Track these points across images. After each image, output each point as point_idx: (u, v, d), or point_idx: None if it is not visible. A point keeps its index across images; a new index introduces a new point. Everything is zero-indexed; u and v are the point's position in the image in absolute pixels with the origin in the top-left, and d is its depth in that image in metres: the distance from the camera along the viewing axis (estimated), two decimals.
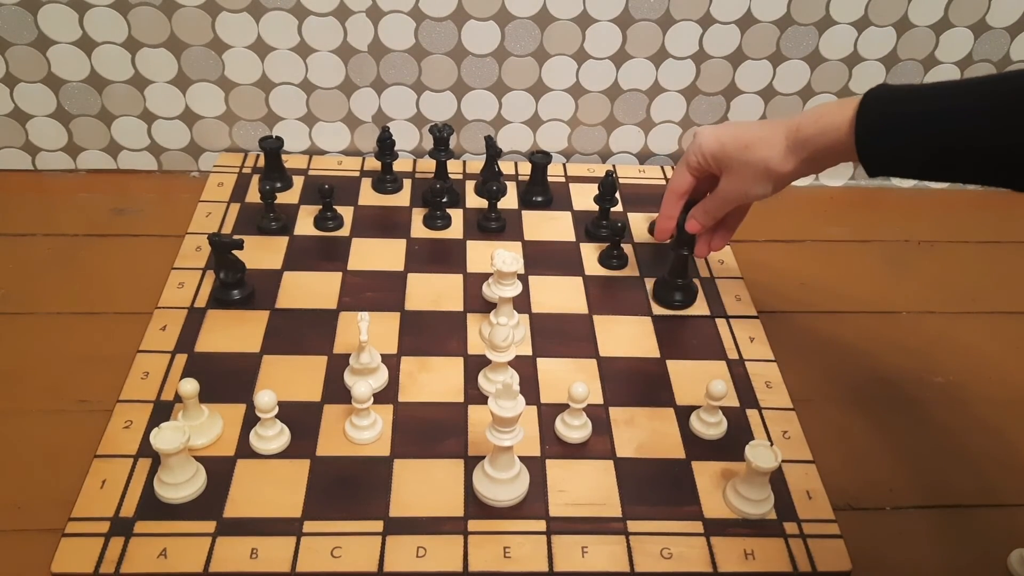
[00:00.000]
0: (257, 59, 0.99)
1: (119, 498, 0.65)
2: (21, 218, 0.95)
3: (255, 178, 1.00)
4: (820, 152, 0.68)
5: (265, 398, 0.68)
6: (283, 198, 0.97)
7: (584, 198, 1.00)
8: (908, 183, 1.11)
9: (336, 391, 0.75)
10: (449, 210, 0.96)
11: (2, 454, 0.70)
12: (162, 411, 0.72)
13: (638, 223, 0.98)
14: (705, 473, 0.70)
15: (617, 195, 0.94)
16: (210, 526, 0.64)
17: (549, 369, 0.79)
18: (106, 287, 0.87)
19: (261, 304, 0.83)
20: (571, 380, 0.71)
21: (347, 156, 1.06)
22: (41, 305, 0.84)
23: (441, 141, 0.96)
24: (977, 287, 0.95)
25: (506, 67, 1.01)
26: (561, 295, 0.87)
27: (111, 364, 0.77)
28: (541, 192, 1.00)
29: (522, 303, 0.85)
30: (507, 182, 1.02)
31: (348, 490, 0.67)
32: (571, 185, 1.03)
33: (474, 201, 0.99)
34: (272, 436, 0.69)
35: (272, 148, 0.97)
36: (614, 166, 1.07)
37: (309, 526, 0.64)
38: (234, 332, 0.80)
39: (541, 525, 0.66)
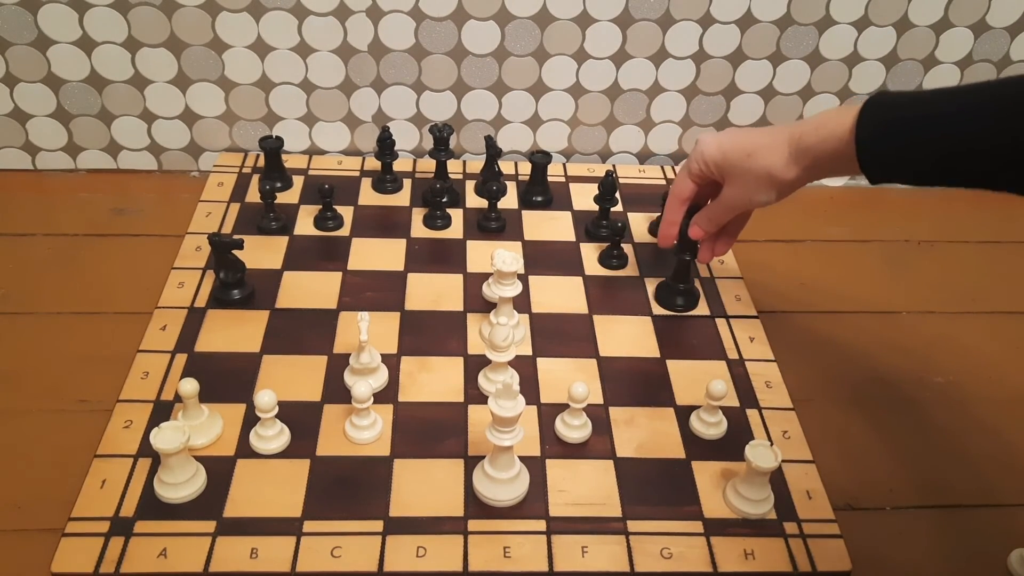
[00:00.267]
0: (257, 59, 0.99)
1: (119, 498, 0.65)
2: (21, 218, 0.95)
3: (255, 178, 1.00)
4: (822, 160, 0.68)
5: (265, 398, 0.68)
6: (283, 198, 0.97)
7: (584, 198, 1.00)
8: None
9: (336, 391, 0.75)
10: (449, 210, 0.96)
11: (2, 454, 0.70)
12: (162, 411, 0.72)
13: (638, 223, 0.98)
14: (705, 473, 0.70)
15: (617, 195, 0.94)
16: (210, 526, 0.64)
17: (549, 369, 0.79)
18: (106, 287, 0.87)
19: (261, 304, 0.83)
20: (571, 380, 0.71)
21: (347, 156, 1.06)
22: (41, 305, 0.84)
23: (441, 141, 0.96)
24: (977, 287, 0.95)
25: (506, 67, 1.01)
26: (561, 295, 0.87)
27: (111, 364, 0.77)
28: (541, 192, 1.00)
29: (522, 303, 0.85)
30: (507, 182, 1.02)
31: (348, 490, 0.67)
32: (571, 185, 1.03)
33: (474, 201, 0.99)
34: (272, 436, 0.69)
35: (272, 148, 0.97)
36: (614, 166, 1.07)
37: (309, 526, 0.64)
38: (234, 332, 0.80)
39: (541, 525, 0.66)
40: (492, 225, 0.95)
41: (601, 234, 0.94)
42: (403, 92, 1.02)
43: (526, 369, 0.78)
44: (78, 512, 0.64)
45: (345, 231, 0.93)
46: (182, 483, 0.65)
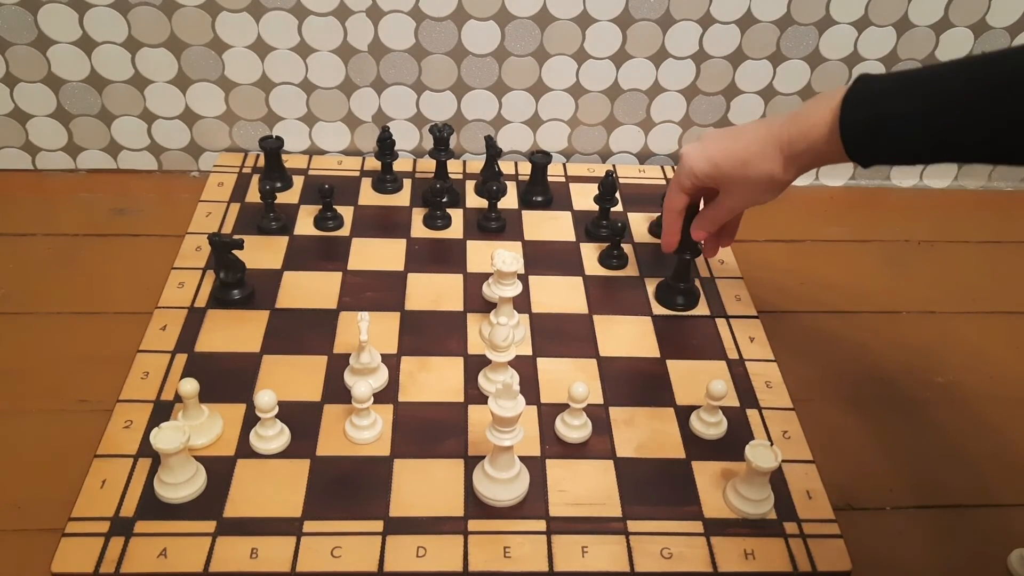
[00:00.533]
0: (257, 59, 0.99)
1: (119, 498, 0.65)
2: (21, 218, 0.96)
3: (255, 178, 1.00)
4: (817, 159, 0.68)
5: (265, 398, 0.68)
6: (283, 198, 0.97)
7: (584, 198, 1.00)
8: (908, 183, 1.11)
9: (336, 391, 0.75)
10: (449, 210, 0.96)
11: (2, 454, 0.70)
12: (162, 411, 0.72)
13: (638, 223, 0.98)
14: (705, 473, 0.70)
15: (617, 195, 0.94)
16: (210, 526, 0.64)
17: (549, 369, 0.79)
18: (106, 287, 0.87)
19: (261, 304, 0.83)
20: (571, 380, 0.71)
21: (347, 156, 1.06)
22: (41, 305, 0.84)
23: (441, 141, 0.96)
24: (977, 287, 0.95)
25: (506, 67, 1.01)
26: (561, 295, 0.87)
27: (111, 364, 0.77)
28: (541, 192, 1.00)
29: (522, 303, 0.85)
30: (507, 182, 1.02)
31: (348, 490, 0.67)
32: (571, 185, 1.03)
33: (474, 201, 0.99)
34: (272, 436, 0.69)
35: (272, 148, 0.97)
36: (614, 166, 1.07)
37: (309, 526, 0.64)
38: (234, 332, 0.80)
39: (541, 525, 0.66)
40: (492, 225, 0.95)
41: (601, 234, 0.94)
42: (403, 92, 1.02)
43: (526, 369, 0.78)
44: (78, 512, 0.64)
45: (345, 231, 0.93)
46: (182, 483, 0.65)
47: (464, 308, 0.85)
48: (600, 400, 0.76)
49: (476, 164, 1.04)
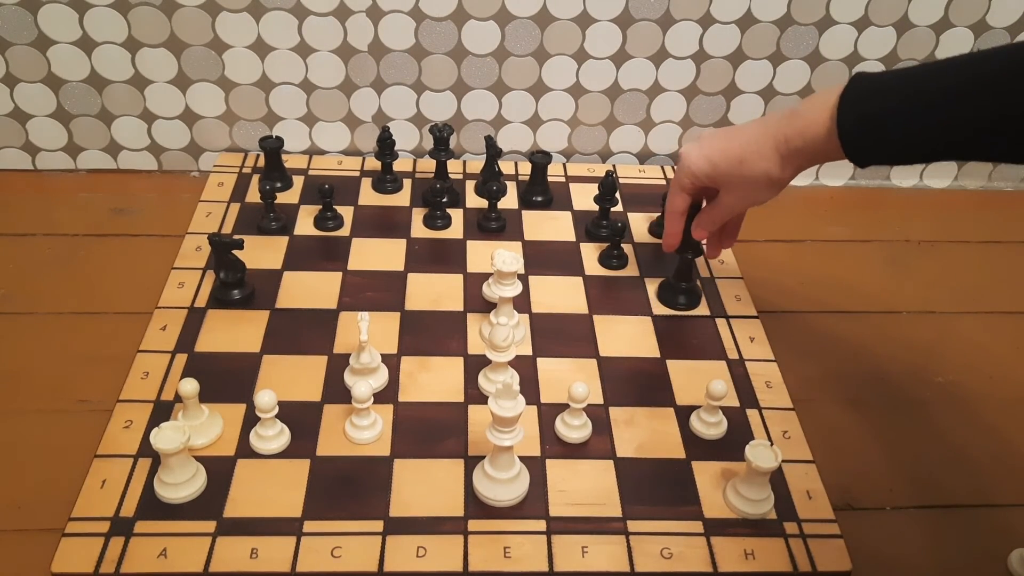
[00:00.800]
0: (257, 59, 0.99)
1: (119, 498, 0.65)
2: (21, 218, 0.95)
3: (255, 178, 1.00)
4: (814, 157, 0.68)
5: (265, 398, 0.68)
6: (283, 198, 0.97)
7: (584, 198, 1.00)
8: (908, 183, 1.11)
9: (336, 391, 0.75)
10: (449, 210, 0.96)
11: (2, 454, 0.70)
12: (162, 411, 0.72)
13: (638, 223, 0.98)
14: (705, 473, 0.70)
15: (617, 195, 0.94)
16: (210, 526, 0.64)
17: (549, 369, 0.79)
18: (106, 287, 0.87)
19: (261, 304, 0.83)
20: (571, 380, 0.71)
21: (347, 156, 1.06)
22: (41, 305, 0.84)
23: (441, 141, 0.96)
24: (977, 287, 0.95)
25: (506, 67, 1.01)
26: (561, 295, 0.87)
27: (111, 364, 0.77)
28: (541, 192, 1.00)
29: (522, 303, 0.85)
30: (507, 182, 1.02)
31: (348, 490, 0.67)
32: (571, 185, 1.03)
33: (474, 201, 0.99)
34: (272, 436, 0.69)
35: (272, 148, 0.97)
36: (614, 166, 1.07)
37: (309, 526, 0.64)
38: (234, 332, 0.80)
39: (541, 525, 0.66)
40: (492, 225, 0.95)
41: (601, 234, 0.94)
42: (403, 92, 1.02)
43: (526, 369, 0.78)
44: (78, 512, 0.64)
45: (345, 231, 0.93)
46: (182, 483, 0.65)
47: (464, 308, 0.85)
48: (600, 400, 0.76)
49: (476, 164, 1.04)
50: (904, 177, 1.12)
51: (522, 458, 0.68)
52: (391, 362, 0.78)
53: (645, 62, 1.02)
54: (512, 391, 0.62)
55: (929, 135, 0.61)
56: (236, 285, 0.83)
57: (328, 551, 0.63)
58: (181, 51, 0.97)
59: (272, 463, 0.69)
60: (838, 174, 1.10)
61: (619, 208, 0.99)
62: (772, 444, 0.66)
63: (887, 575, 0.66)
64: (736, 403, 0.77)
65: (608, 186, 0.92)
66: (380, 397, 0.74)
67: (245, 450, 0.69)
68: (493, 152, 0.99)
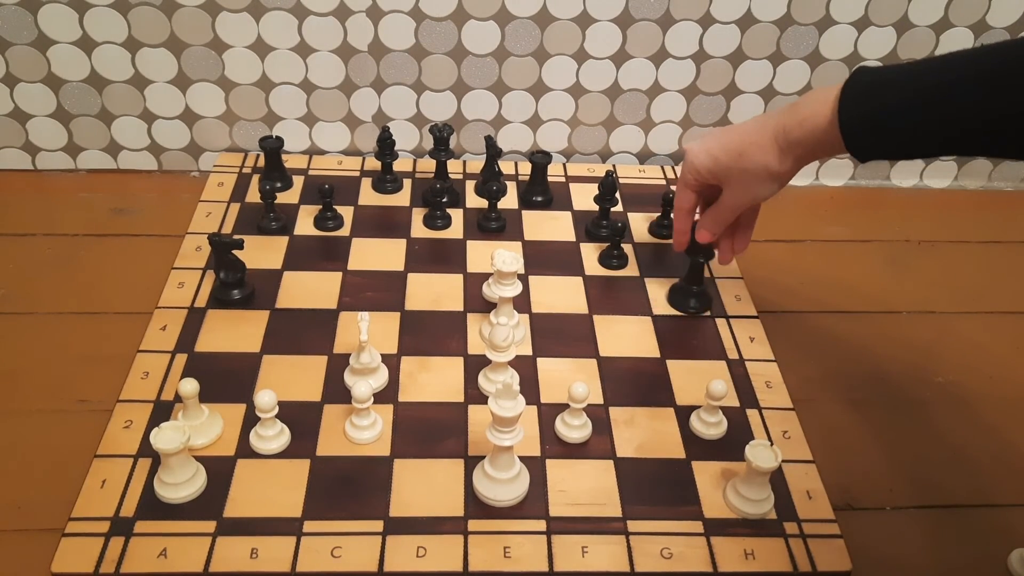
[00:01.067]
0: (257, 59, 0.99)
1: (119, 498, 0.65)
2: (21, 218, 0.96)
3: (255, 178, 1.00)
4: (814, 149, 0.67)
5: (265, 398, 0.68)
6: (283, 198, 0.97)
7: (584, 198, 1.00)
8: (908, 183, 1.11)
9: (336, 391, 0.75)
10: (449, 210, 0.96)
11: (2, 454, 0.70)
12: (162, 411, 0.72)
13: (638, 223, 0.98)
14: (705, 473, 0.70)
15: (617, 195, 0.94)
16: (210, 526, 0.64)
17: (549, 369, 0.79)
18: (106, 287, 0.87)
19: (261, 304, 0.83)
20: (571, 380, 0.71)
21: (347, 156, 1.06)
22: (41, 305, 0.84)
23: (441, 141, 0.96)
24: (977, 287, 0.95)
25: (506, 67, 1.01)
26: (561, 295, 0.87)
27: (111, 364, 0.77)
28: (541, 192, 1.00)
29: (522, 303, 0.85)
30: (507, 182, 1.02)
31: (348, 490, 0.67)
32: (571, 185, 1.03)
33: (474, 201, 0.99)
34: (272, 436, 0.69)
35: (272, 148, 0.97)
36: (614, 166, 1.07)
37: (309, 526, 0.64)
38: (234, 332, 0.80)
39: (541, 525, 0.66)
40: (492, 225, 0.95)
41: (601, 234, 0.94)
42: (403, 92, 1.02)
43: (526, 369, 0.78)
44: (78, 512, 0.64)
45: (345, 231, 0.93)
46: (182, 483, 0.65)
47: (464, 308, 0.85)
48: (600, 400, 0.76)
49: (476, 164, 1.04)
50: (904, 177, 1.12)
51: (522, 458, 0.68)
52: (391, 362, 0.78)
53: (645, 62, 1.02)
54: (512, 391, 0.62)
55: (929, 129, 0.61)
56: (236, 285, 0.83)
57: (328, 551, 0.63)
58: (181, 51, 0.97)
59: (272, 463, 0.69)
60: (838, 174, 1.10)
61: (619, 208, 0.99)
62: (772, 444, 0.66)
63: (887, 575, 0.66)
64: (736, 403, 0.77)
65: (608, 186, 0.92)
66: (380, 397, 0.74)
67: (245, 450, 0.69)
68: (493, 152, 0.99)
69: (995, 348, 0.87)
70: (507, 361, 0.72)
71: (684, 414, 0.75)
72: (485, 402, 0.65)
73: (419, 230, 0.94)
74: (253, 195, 0.97)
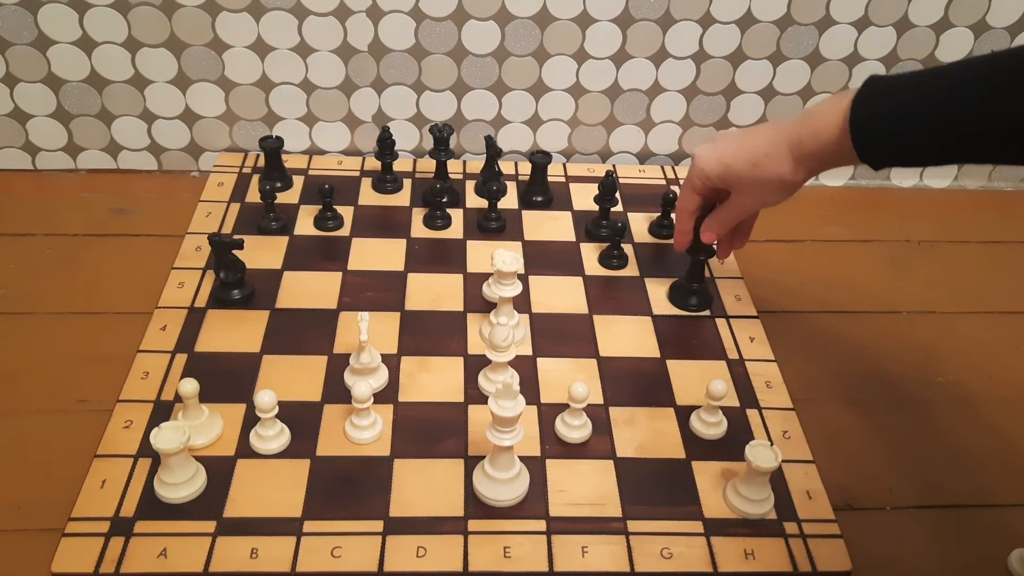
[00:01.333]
0: (257, 59, 0.99)
1: (119, 498, 0.65)
2: (21, 218, 0.95)
3: (255, 178, 1.00)
4: (827, 161, 0.68)
5: (265, 398, 0.68)
6: (283, 198, 0.97)
7: (584, 198, 1.00)
8: (908, 183, 1.11)
9: (336, 391, 0.75)
10: (449, 210, 0.96)
11: (2, 454, 0.70)
12: (162, 411, 0.72)
13: (638, 223, 0.98)
14: (705, 473, 0.70)
15: (617, 195, 0.94)
16: (210, 526, 0.64)
17: (549, 369, 0.79)
18: (106, 287, 0.87)
19: (261, 304, 0.83)
20: (571, 380, 0.71)
21: (347, 156, 1.06)
22: (41, 305, 0.84)
23: (441, 141, 0.96)
24: (977, 287, 0.95)
25: (506, 67, 1.01)
26: (561, 295, 0.87)
27: (111, 364, 0.77)
28: (541, 192, 1.00)
29: (522, 303, 0.85)
30: (507, 182, 1.02)
31: (348, 490, 0.67)
32: (571, 185, 1.03)
33: (474, 201, 0.99)
34: (272, 436, 0.69)
35: (272, 148, 0.97)
36: (614, 166, 1.07)
37: (309, 526, 0.64)
38: (234, 332, 0.80)
39: (541, 525, 0.66)
40: (492, 225, 0.95)
41: (601, 234, 0.94)
42: (403, 92, 1.02)
43: (526, 369, 0.78)
44: (78, 512, 0.64)
45: (345, 231, 0.93)
46: (182, 483, 0.65)
47: (464, 308, 0.85)
48: (600, 400, 0.76)
49: (476, 164, 1.04)
50: (904, 177, 1.12)
51: (522, 458, 0.68)
52: (391, 362, 0.78)
53: (645, 62, 1.02)
54: (512, 391, 0.62)
55: (940, 137, 0.61)
56: (236, 285, 0.83)
57: (328, 551, 0.63)
58: (181, 51, 0.97)
59: (272, 463, 0.69)
60: (838, 174, 1.10)
61: (619, 208, 0.99)
62: (772, 444, 0.66)
63: (887, 575, 0.66)
64: (736, 403, 0.77)
65: (608, 186, 0.92)
66: (380, 397, 0.74)
67: (245, 450, 0.69)
68: (493, 152, 0.99)
69: (996, 348, 0.87)
70: (507, 361, 0.72)
71: (684, 414, 0.75)
72: (485, 402, 0.65)
73: (419, 230, 0.94)
74: (253, 195, 0.97)
